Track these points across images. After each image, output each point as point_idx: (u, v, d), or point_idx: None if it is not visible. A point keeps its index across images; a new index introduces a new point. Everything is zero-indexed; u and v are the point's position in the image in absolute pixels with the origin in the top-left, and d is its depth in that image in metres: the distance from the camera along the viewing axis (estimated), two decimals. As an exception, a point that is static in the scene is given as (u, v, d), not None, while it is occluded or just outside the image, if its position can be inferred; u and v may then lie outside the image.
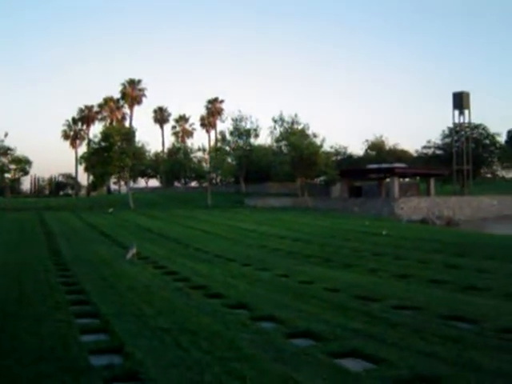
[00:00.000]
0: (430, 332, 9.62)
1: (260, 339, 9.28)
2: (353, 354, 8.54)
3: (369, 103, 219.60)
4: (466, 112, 79.33)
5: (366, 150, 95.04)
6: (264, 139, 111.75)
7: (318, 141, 69.20)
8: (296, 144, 65.19)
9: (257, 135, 79.18)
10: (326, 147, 77.73)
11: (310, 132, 69.66)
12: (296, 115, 71.33)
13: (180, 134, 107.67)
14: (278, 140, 71.26)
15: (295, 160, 65.26)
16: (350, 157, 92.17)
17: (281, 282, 16.04)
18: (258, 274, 17.81)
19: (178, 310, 11.82)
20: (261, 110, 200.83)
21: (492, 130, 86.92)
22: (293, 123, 70.79)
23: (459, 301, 12.75)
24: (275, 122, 71.94)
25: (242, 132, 78.30)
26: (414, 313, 11.40)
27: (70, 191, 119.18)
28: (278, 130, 71.56)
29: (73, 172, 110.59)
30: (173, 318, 10.94)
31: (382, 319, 10.70)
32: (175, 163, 79.34)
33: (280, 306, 12.17)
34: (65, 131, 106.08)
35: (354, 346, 8.80)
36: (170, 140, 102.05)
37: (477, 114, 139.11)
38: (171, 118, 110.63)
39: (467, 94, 78.76)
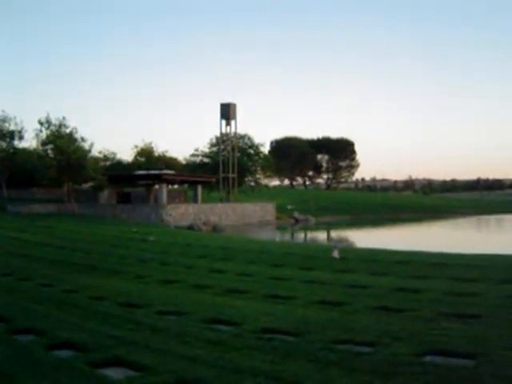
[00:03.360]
0: (192, 336, 9.83)
1: (17, 353, 8.80)
2: (116, 362, 8.43)
3: (140, 109, 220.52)
4: (233, 122, 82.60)
5: (136, 157, 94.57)
6: (29, 142, 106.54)
7: (86, 145, 67.62)
8: (63, 148, 63.10)
9: (21, 137, 75.03)
10: (95, 152, 76.28)
11: (78, 136, 67.75)
12: (64, 118, 68.77)
13: None
14: (44, 143, 68.14)
15: (62, 164, 63.14)
16: (120, 163, 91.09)
17: (43, 292, 15.38)
18: (19, 284, 16.93)
19: None
20: (26, 111, 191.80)
21: (256, 140, 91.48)
22: (60, 126, 68.17)
23: (222, 304, 13.19)
24: (41, 124, 68.65)
25: (4, 133, 73.73)
26: (177, 318, 11.57)
27: None
28: (45, 133, 68.45)
29: None
30: None
31: (146, 325, 10.72)
32: None
33: (41, 316, 11.66)
34: None
35: (117, 354, 8.70)
36: None
37: (243, 125, 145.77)
38: None
39: (234, 105, 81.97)
